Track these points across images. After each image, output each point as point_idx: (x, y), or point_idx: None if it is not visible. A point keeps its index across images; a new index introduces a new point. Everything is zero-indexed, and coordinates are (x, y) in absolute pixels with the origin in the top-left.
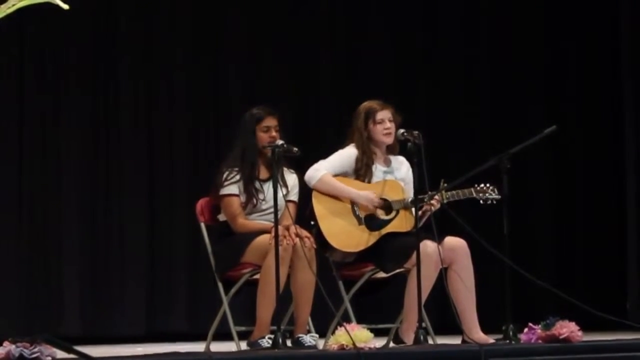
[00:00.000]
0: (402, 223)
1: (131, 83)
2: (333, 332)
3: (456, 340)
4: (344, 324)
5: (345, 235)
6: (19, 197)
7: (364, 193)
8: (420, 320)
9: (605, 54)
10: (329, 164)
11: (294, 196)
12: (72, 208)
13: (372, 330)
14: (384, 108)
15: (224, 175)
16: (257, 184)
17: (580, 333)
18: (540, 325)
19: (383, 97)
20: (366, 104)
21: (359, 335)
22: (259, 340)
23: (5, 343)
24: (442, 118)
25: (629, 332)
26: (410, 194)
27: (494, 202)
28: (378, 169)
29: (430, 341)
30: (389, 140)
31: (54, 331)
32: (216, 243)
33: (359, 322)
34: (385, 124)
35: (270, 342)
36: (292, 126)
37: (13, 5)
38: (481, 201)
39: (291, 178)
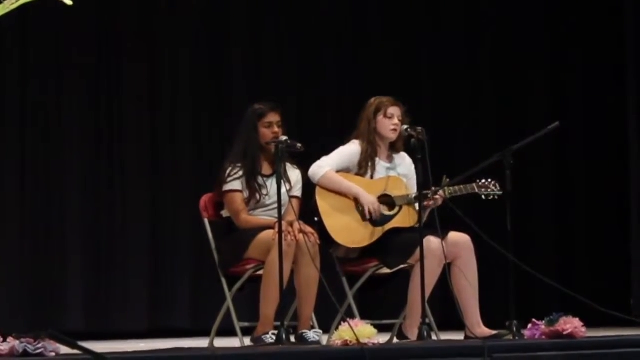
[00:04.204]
0: (405, 219)
1: (134, 81)
2: (337, 328)
3: (460, 336)
4: (348, 319)
5: (349, 231)
6: (22, 195)
7: (368, 196)
8: (424, 315)
9: (609, 49)
10: (332, 160)
11: (297, 192)
12: (76, 205)
13: (375, 326)
14: (396, 105)
15: (227, 171)
16: (260, 180)
17: (584, 329)
18: (543, 321)
19: (387, 93)
20: (379, 98)
21: (363, 331)
22: (263, 336)
23: (10, 339)
24: (446, 114)
25: (632, 328)
26: (412, 190)
27: (496, 197)
28: (381, 165)
29: (434, 337)
30: (393, 136)
31: (58, 327)
32: (220, 239)
33: (362, 317)
34: (393, 119)
35: (274, 337)
36: (295, 122)
37: (16, 1)
38: (483, 196)
39: (294, 174)
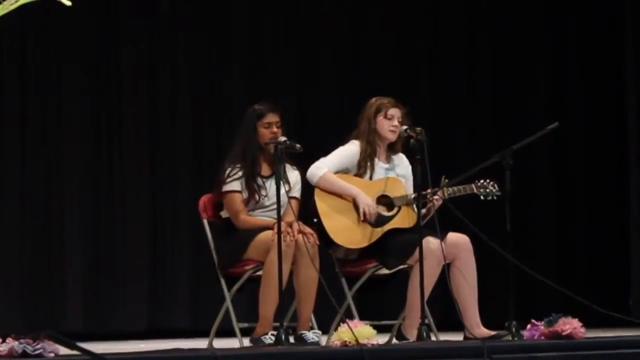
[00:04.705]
0: (404, 219)
1: (134, 81)
2: (336, 329)
3: (459, 337)
4: (347, 320)
5: (348, 231)
6: (21, 195)
7: (366, 198)
8: (423, 316)
9: (609, 49)
10: (330, 161)
11: (296, 192)
12: (75, 205)
13: (374, 327)
14: (397, 106)
15: (226, 172)
16: (260, 181)
17: (583, 329)
18: (543, 322)
19: (386, 93)
20: (379, 99)
21: (362, 331)
22: (262, 337)
23: (9, 339)
24: (445, 115)
25: (631, 329)
26: (410, 191)
27: (495, 197)
28: (380, 166)
29: (433, 337)
30: (392, 137)
31: (57, 327)
32: (219, 239)
33: (361, 318)
34: (393, 121)
35: (273, 338)
36: (294, 122)
37: (15, 2)
38: (482, 197)
39: (293, 174)
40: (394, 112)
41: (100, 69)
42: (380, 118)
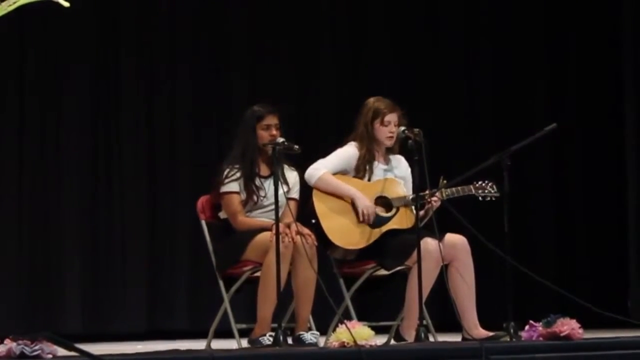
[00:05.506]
0: (402, 220)
1: (133, 82)
2: (334, 330)
3: (457, 338)
4: (345, 321)
5: (347, 232)
6: (19, 196)
7: (364, 199)
8: (421, 317)
9: (608, 51)
10: (329, 162)
11: (294, 194)
12: (73, 206)
13: (373, 328)
14: (393, 111)
15: (225, 173)
16: (258, 181)
17: (581, 330)
18: (541, 323)
19: (386, 94)
20: (376, 102)
21: (360, 332)
22: (260, 338)
23: (7, 340)
24: (445, 115)
25: (629, 330)
26: (409, 192)
27: (493, 199)
28: (378, 167)
29: (431, 338)
30: (390, 143)
31: (55, 329)
32: (217, 241)
33: (359, 319)
34: (390, 127)
35: (271, 339)
36: (293, 124)
37: (14, 3)
38: (480, 198)
39: (292, 175)
40: (391, 117)
41: (100, 69)
42: (377, 125)
